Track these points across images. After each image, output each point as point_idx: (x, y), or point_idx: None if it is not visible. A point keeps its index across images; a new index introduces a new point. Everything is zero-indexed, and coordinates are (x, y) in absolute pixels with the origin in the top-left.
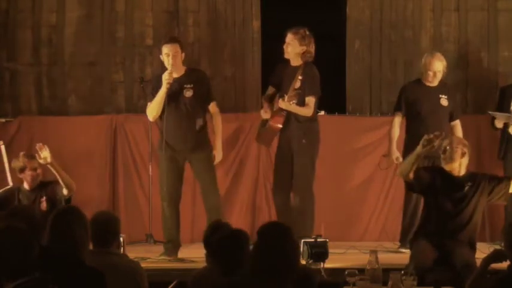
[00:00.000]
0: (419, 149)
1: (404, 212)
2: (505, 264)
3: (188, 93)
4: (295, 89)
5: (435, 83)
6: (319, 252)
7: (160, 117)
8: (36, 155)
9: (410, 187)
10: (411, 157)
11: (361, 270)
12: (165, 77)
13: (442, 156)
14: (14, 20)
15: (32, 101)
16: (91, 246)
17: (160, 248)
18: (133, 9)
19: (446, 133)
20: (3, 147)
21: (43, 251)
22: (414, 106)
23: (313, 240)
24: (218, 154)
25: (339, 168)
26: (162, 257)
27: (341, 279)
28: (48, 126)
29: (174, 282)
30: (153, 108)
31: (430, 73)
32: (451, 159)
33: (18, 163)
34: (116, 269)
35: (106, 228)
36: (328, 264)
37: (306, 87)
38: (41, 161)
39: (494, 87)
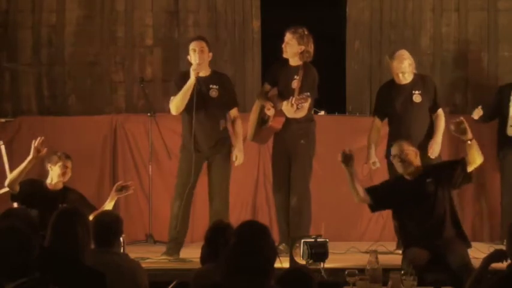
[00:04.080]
0: (346, 170)
1: None
2: (505, 264)
3: (214, 94)
4: (304, 93)
5: (408, 81)
6: (319, 252)
7: (184, 116)
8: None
9: (372, 209)
10: (348, 180)
11: (361, 270)
12: (194, 67)
13: (397, 164)
14: (14, 20)
15: (32, 101)
16: (92, 246)
17: (160, 248)
18: (134, 9)
19: (424, 128)
20: (3, 147)
21: (44, 251)
22: (389, 107)
23: (313, 240)
24: (240, 155)
25: (339, 168)
26: (164, 257)
27: (341, 279)
28: (48, 126)
29: (174, 282)
30: (179, 100)
31: (400, 75)
32: (408, 164)
33: (53, 156)
34: (116, 269)
35: (110, 228)
36: (328, 264)
37: (304, 88)
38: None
39: (494, 87)
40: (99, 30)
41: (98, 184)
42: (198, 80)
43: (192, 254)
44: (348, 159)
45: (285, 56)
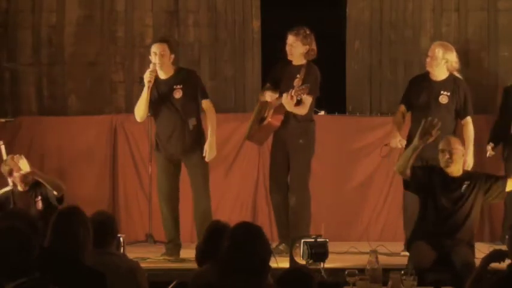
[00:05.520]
0: (416, 141)
1: (404, 211)
2: (505, 264)
3: (177, 94)
4: (303, 84)
5: (436, 74)
6: (319, 252)
7: (155, 118)
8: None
9: (406, 185)
10: (408, 151)
11: (361, 270)
12: (146, 76)
13: (444, 158)
14: (14, 20)
15: (32, 101)
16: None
17: (160, 248)
18: (134, 9)
19: (447, 131)
20: (3, 147)
21: (44, 251)
22: (414, 98)
23: (313, 240)
24: (211, 150)
25: (339, 168)
26: (163, 257)
27: (341, 279)
28: (48, 126)
29: (174, 282)
30: (138, 109)
31: (428, 59)
32: (452, 162)
33: (6, 167)
34: (115, 269)
35: (102, 228)
36: (328, 264)
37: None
38: (22, 172)
39: (494, 87)
40: (99, 30)
41: (98, 184)
42: (160, 82)
43: (192, 254)
44: (429, 129)
45: (290, 58)
